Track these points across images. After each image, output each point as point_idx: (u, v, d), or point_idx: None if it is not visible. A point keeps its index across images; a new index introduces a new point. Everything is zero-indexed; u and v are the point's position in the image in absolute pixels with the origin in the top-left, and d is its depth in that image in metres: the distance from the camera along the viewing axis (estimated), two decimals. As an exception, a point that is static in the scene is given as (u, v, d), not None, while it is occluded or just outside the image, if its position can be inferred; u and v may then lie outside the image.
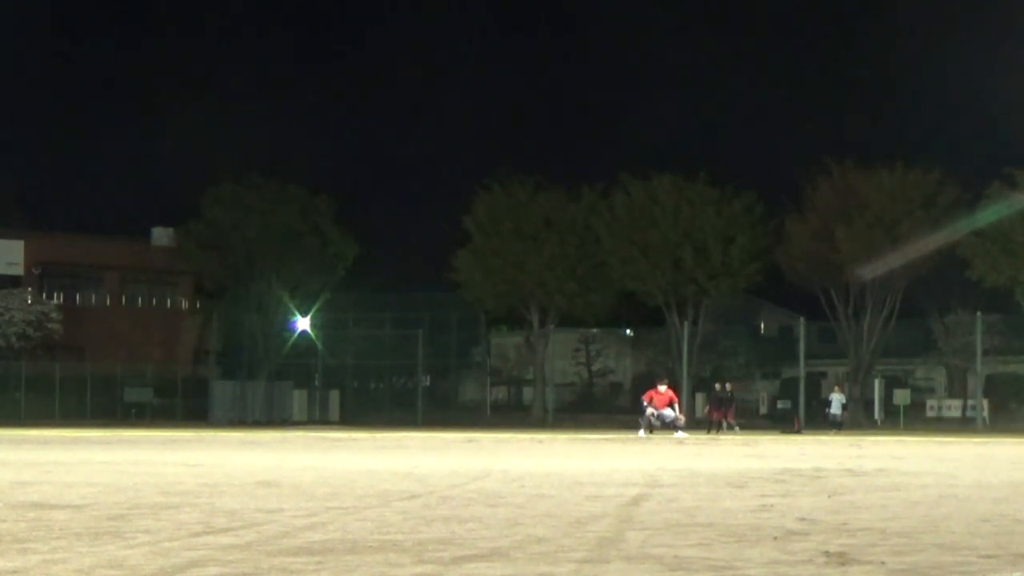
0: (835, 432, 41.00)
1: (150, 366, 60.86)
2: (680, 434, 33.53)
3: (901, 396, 52.39)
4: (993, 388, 53.84)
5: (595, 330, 67.43)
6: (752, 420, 54.86)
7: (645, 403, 34.37)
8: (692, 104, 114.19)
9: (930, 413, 53.28)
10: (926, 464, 19.10)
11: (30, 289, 60.88)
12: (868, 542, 8.17)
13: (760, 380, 62.86)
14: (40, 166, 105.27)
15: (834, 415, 43.94)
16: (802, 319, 52.15)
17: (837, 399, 44.98)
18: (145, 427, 46.30)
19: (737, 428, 43.39)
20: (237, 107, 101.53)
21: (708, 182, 55.10)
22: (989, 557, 7.53)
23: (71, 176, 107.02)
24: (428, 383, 62.82)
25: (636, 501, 11.42)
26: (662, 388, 34.69)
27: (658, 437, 32.81)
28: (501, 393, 70.80)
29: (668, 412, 34.01)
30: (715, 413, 43.64)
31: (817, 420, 47.30)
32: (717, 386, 45.37)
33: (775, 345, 65.92)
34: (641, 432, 33.75)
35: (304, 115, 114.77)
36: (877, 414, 53.19)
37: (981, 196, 51.55)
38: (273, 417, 56.17)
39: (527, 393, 67.31)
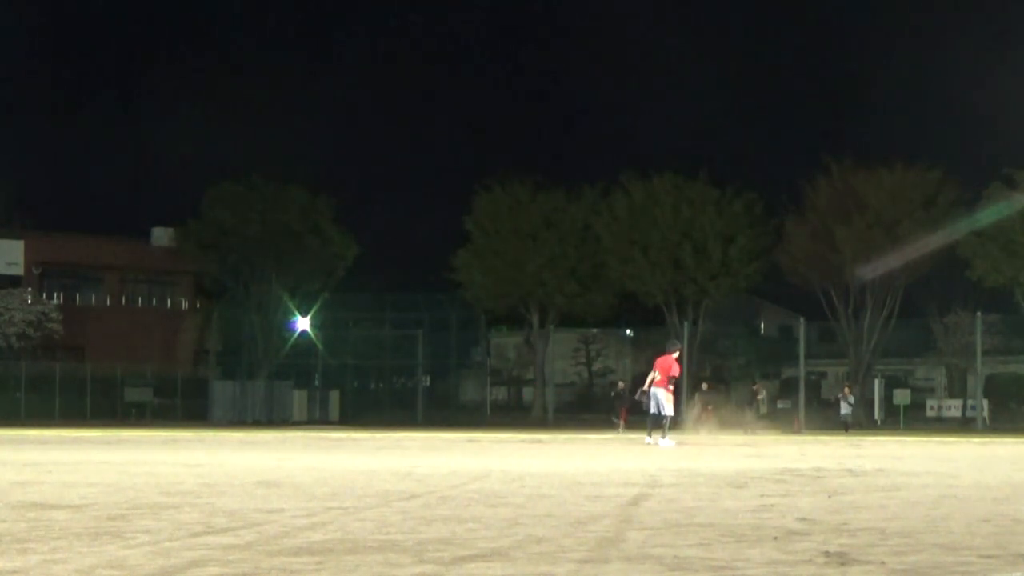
0: (845, 432, 40.93)
1: (150, 366, 60.86)
2: (662, 441, 26.11)
3: (901, 396, 52.41)
4: (993, 388, 53.86)
5: (595, 330, 67.45)
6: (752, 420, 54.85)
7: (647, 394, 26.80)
8: (692, 104, 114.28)
9: (930, 413, 53.33)
10: (926, 464, 19.09)
11: (30, 289, 60.89)
12: (868, 542, 8.16)
13: (760, 380, 62.86)
14: (40, 166, 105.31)
15: (845, 415, 43.78)
16: (802, 319, 52.12)
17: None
18: (145, 427, 46.27)
19: (621, 427, 40.83)
20: (237, 107, 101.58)
21: (708, 182, 55.15)
22: (989, 557, 7.53)
23: (71, 176, 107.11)
24: (428, 383, 62.82)
25: (636, 501, 11.42)
26: (675, 354, 27.30)
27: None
28: (501, 393, 70.81)
29: (661, 395, 26.51)
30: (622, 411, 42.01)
31: (817, 420, 47.27)
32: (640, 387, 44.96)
33: (775, 345, 65.94)
34: (666, 441, 26.27)
35: (304, 115, 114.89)
36: (877, 414, 53.19)
37: (981, 196, 51.59)
38: (273, 417, 56.16)
39: (527, 393, 67.33)
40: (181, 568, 6.89)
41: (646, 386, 26.93)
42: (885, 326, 53.85)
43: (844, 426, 42.81)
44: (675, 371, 27.02)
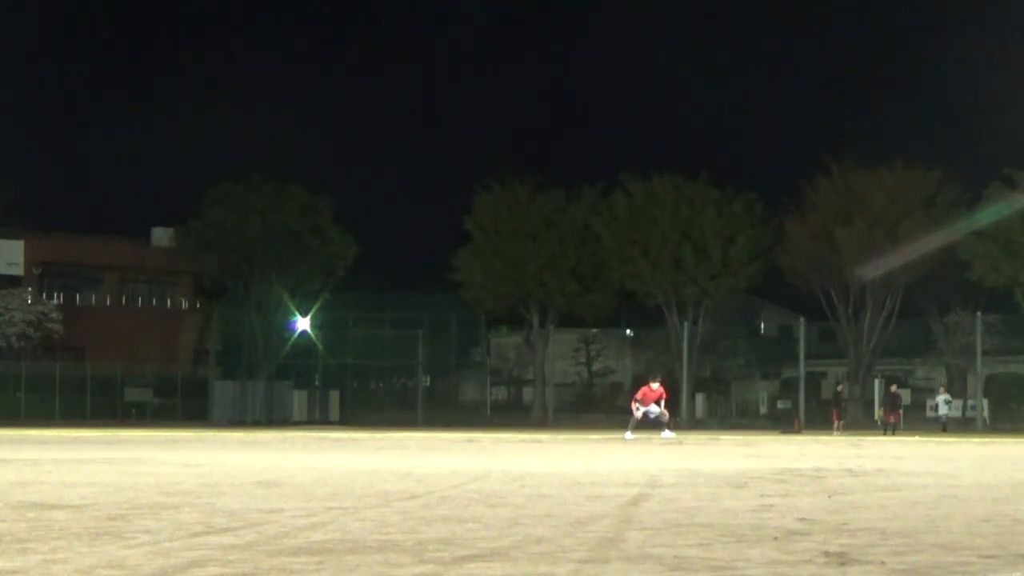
0: (838, 432, 40.90)
1: (150, 366, 60.83)
2: (667, 434, 32.80)
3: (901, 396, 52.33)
4: (993, 388, 53.82)
5: (595, 330, 67.37)
6: (752, 420, 54.88)
7: (635, 404, 33.15)
8: (692, 104, 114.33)
9: (930, 413, 53.26)
10: (926, 464, 19.10)
11: (30, 289, 60.86)
12: (868, 542, 8.16)
13: (760, 380, 62.83)
14: (40, 166, 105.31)
15: (837, 424, 43.32)
16: (802, 319, 52.13)
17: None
18: (145, 427, 46.28)
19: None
20: (237, 107, 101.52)
21: (708, 182, 55.12)
22: (989, 557, 7.53)
23: (71, 176, 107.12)
24: (428, 383, 62.78)
25: (636, 501, 11.42)
26: (654, 385, 33.46)
27: (646, 435, 32.75)
28: (501, 393, 70.71)
29: (654, 408, 32.96)
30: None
31: (817, 420, 47.31)
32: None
33: (775, 345, 65.90)
34: (628, 434, 32.59)
35: (304, 115, 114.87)
36: (877, 414, 53.15)
37: (981, 196, 51.56)
38: (273, 417, 56.15)
39: (527, 393, 67.25)
40: (181, 568, 6.89)
41: (639, 415, 33.12)
42: (885, 326, 53.81)
43: (942, 427, 43.58)
44: (657, 395, 33.32)
